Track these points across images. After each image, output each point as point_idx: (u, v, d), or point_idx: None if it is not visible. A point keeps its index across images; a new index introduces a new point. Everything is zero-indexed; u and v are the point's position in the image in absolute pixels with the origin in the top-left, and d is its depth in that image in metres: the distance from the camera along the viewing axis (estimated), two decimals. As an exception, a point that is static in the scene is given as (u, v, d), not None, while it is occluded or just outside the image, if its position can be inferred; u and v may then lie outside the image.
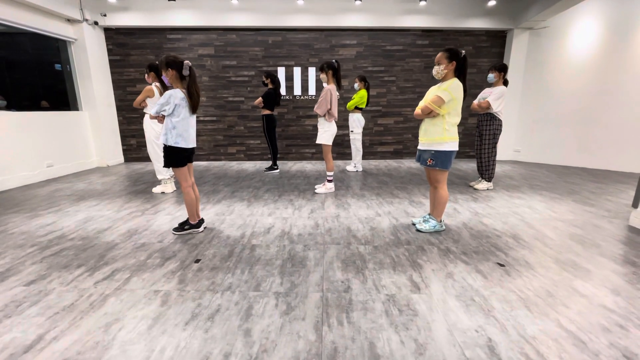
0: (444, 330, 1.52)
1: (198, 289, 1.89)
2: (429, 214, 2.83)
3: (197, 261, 2.24)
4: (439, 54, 2.46)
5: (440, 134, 2.47)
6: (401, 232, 2.75)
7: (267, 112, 5.13)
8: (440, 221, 2.76)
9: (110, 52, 6.06)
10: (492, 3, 5.72)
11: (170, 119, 2.46)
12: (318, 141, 3.97)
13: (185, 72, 2.42)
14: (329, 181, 4.08)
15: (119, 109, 6.30)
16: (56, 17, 5.13)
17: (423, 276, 2.03)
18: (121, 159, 6.49)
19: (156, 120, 3.56)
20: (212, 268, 2.14)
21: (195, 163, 6.47)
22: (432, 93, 2.52)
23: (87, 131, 5.77)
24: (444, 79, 2.49)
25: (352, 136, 5.32)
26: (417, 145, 2.78)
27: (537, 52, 6.08)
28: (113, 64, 6.11)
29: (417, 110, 2.58)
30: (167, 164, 2.57)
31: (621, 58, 5.20)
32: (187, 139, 2.55)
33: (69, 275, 2.05)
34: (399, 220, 3.04)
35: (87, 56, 5.53)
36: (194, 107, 2.51)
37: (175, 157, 2.54)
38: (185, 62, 2.40)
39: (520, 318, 1.61)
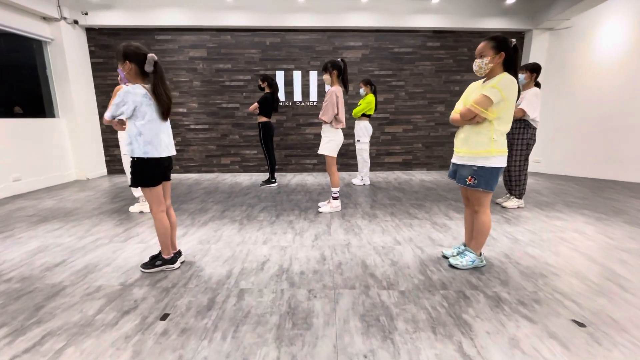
0: None
1: (157, 369, 1.30)
2: (465, 245, 2.25)
3: (164, 317, 1.65)
4: (482, 44, 1.91)
5: (487, 145, 1.90)
6: (431, 269, 2.16)
7: (263, 119, 4.59)
8: (480, 254, 2.19)
9: (92, 54, 5.54)
10: (510, 1, 5.25)
11: (133, 122, 1.89)
12: (321, 151, 3.41)
13: (149, 69, 1.86)
14: (335, 198, 3.51)
15: (102, 115, 5.75)
16: (30, 15, 4.62)
17: (477, 345, 1.44)
18: (104, 170, 5.91)
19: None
20: (183, 330, 1.55)
21: (184, 175, 5.90)
22: (475, 92, 1.96)
23: (64, 140, 5.21)
24: (488, 75, 1.94)
25: (358, 146, 4.77)
26: (452, 158, 2.20)
27: (558, 54, 5.58)
28: (95, 67, 5.58)
29: (455, 115, 2.02)
30: (136, 182, 1.98)
31: (655, 60, 4.71)
32: (159, 146, 1.97)
33: (-22, 344, 1.46)
34: (425, 251, 2.46)
35: (65, 58, 5.00)
36: (164, 113, 1.95)
37: (146, 172, 1.96)
38: (150, 55, 1.85)
39: None
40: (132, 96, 1.81)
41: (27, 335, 1.52)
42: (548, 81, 5.71)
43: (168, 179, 2.15)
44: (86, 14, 5.16)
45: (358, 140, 4.74)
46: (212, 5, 5.31)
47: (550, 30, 5.57)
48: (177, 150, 5.91)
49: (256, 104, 4.53)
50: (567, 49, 5.49)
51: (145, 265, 2.16)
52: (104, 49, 5.56)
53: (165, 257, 2.16)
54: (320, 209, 3.50)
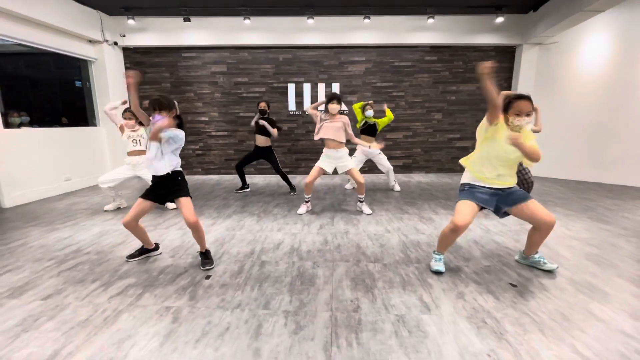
0: (455, 354, 1.50)
1: (208, 306, 1.91)
2: (541, 256, 2.39)
3: (208, 277, 2.27)
4: (530, 103, 2.03)
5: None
6: (411, 250, 2.73)
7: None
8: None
9: (127, 70, 6.30)
10: (500, 19, 5.76)
11: (176, 152, 2.43)
12: (352, 166, 3.84)
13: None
14: (361, 201, 3.89)
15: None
16: (79, 39, 5.39)
17: (433, 296, 2.00)
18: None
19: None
20: (222, 285, 2.17)
21: (206, 177, 6.58)
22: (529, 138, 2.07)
23: (103, 146, 5.97)
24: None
25: (382, 154, 5.10)
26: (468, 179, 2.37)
27: (546, 67, 6.06)
28: (130, 82, 6.34)
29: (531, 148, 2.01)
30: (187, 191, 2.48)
31: (634, 72, 5.14)
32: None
33: (84, 290, 2.10)
34: (409, 237, 3.03)
35: (105, 74, 5.77)
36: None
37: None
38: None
39: (533, 342, 1.57)
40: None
41: (115, 286, 2.16)
42: (538, 91, 6.18)
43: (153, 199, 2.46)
44: (124, 36, 5.93)
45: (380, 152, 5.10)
46: (232, 27, 6.01)
47: (539, 45, 6.06)
48: (199, 154, 6.67)
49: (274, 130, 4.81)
50: (555, 62, 5.96)
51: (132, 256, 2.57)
52: (137, 65, 6.32)
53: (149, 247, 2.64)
54: (366, 211, 3.81)
